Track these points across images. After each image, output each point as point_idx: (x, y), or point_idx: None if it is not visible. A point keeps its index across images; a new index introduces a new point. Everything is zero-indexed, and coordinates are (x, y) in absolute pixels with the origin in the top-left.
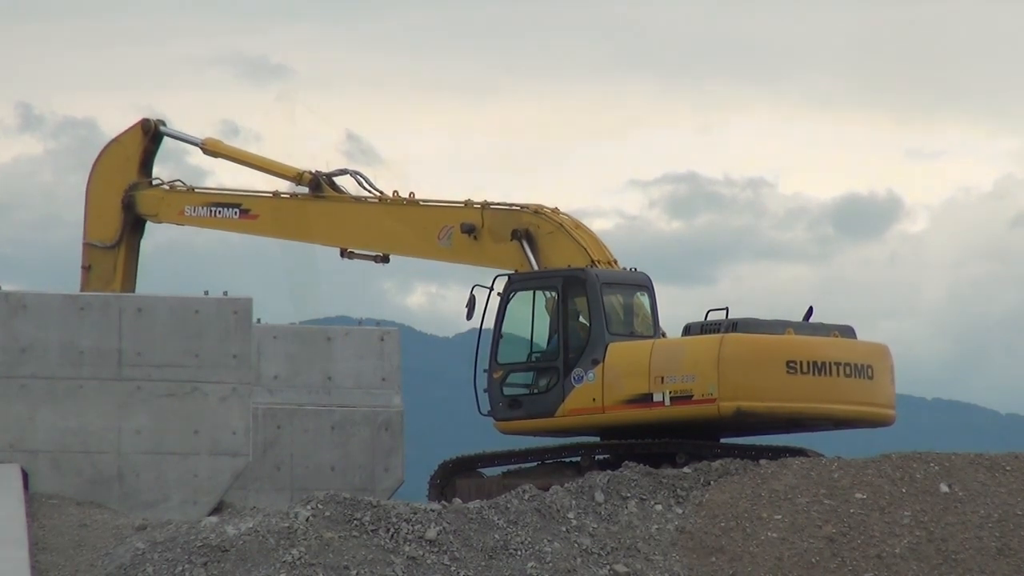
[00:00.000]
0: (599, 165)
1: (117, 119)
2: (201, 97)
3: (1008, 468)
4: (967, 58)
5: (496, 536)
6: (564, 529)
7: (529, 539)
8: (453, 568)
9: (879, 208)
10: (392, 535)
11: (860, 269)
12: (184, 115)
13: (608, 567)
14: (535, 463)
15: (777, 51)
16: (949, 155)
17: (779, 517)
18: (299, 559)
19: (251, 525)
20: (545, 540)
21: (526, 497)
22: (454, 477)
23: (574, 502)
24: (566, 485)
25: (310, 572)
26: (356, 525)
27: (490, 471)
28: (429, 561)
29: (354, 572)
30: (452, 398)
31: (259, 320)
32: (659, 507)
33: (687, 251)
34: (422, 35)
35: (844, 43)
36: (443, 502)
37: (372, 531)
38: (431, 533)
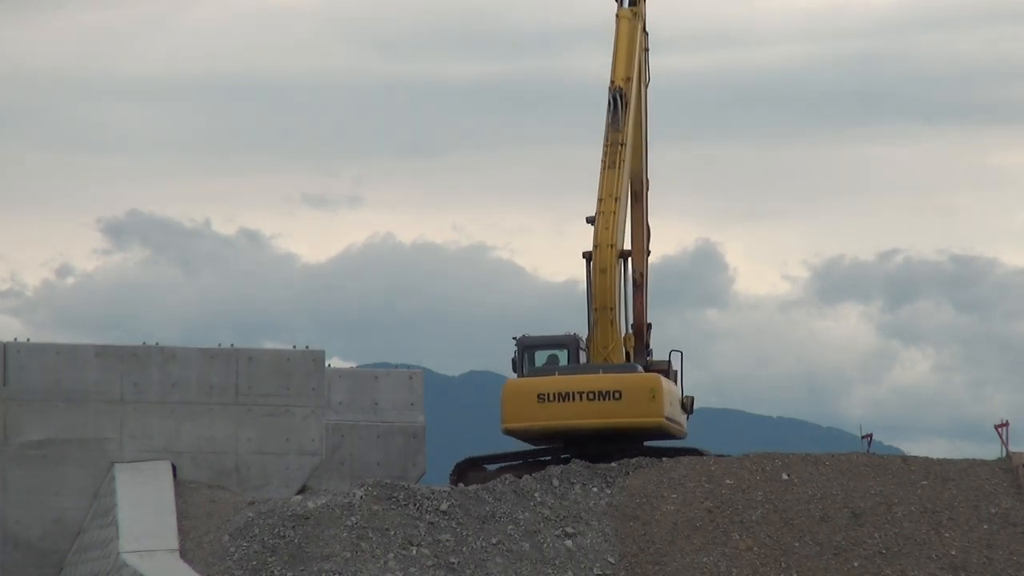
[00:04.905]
0: None
1: None
2: None
3: (827, 463)
4: None
5: (486, 508)
6: (532, 504)
7: (509, 510)
8: (458, 529)
9: None
10: (417, 507)
11: None
12: None
13: (561, 529)
14: (519, 462)
15: None
16: None
17: (675, 496)
18: (356, 523)
19: (324, 501)
20: (519, 511)
21: (506, 482)
22: (467, 471)
23: (538, 486)
24: (533, 475)
25: (363, 532)
26: (394, 500)
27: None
28: (442, 525)
29: (392, 532)
30: (453, 417)
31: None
32: (595, 489)
33: None
34: None
35: None
36: (455, 485)
37: (404, 504)
38: (443, 506)
